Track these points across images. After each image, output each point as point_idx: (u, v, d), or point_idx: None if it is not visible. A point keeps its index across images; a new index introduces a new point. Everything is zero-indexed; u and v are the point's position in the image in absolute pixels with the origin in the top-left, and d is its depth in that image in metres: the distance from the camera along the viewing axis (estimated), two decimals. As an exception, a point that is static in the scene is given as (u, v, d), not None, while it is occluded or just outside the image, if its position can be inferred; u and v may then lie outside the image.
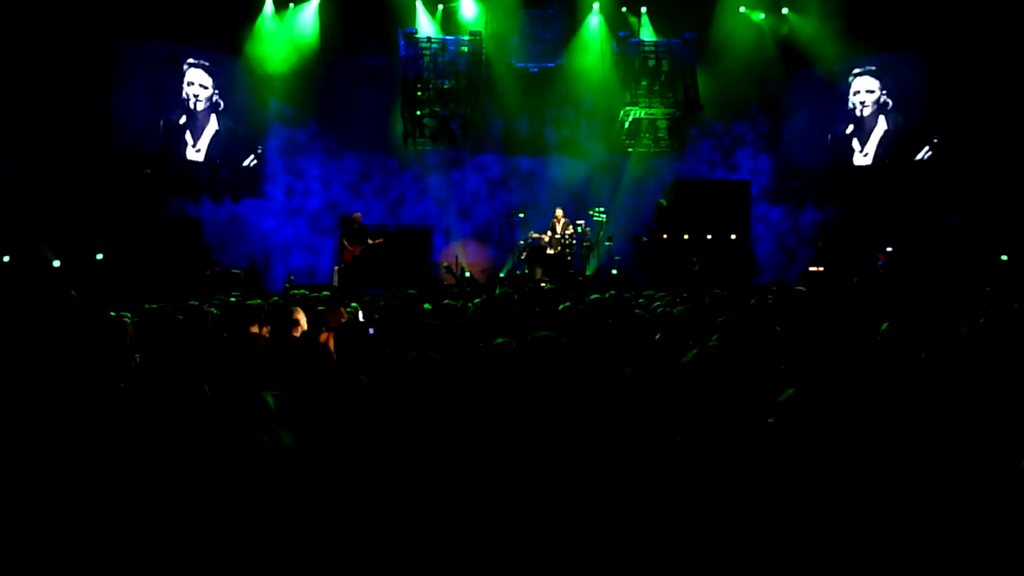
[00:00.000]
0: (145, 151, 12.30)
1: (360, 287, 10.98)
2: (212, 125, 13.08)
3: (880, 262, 11.59)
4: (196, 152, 12.93)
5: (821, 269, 12.02)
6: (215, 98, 13.01)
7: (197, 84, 12.85)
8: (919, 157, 12.64)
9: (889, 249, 11.55)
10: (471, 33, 13.12)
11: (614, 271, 12.50)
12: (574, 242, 11.84)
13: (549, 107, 14.08)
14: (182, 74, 12.77)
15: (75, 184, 10.78)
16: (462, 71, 13.02)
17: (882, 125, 13.09)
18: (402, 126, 13.24)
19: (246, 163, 13.40)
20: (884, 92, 13.06)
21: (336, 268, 12.45)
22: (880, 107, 13.11)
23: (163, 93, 12.56)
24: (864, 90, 13.22)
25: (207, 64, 12.93)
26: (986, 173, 11.63)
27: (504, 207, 13.77)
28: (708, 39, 13.26)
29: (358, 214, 12.27)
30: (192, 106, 12.83)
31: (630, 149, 13.69)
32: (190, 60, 12.75)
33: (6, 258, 9.34)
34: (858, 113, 13.24)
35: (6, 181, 9.96)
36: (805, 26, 13.02)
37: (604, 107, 13.71)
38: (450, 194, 14.11)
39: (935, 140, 12.44)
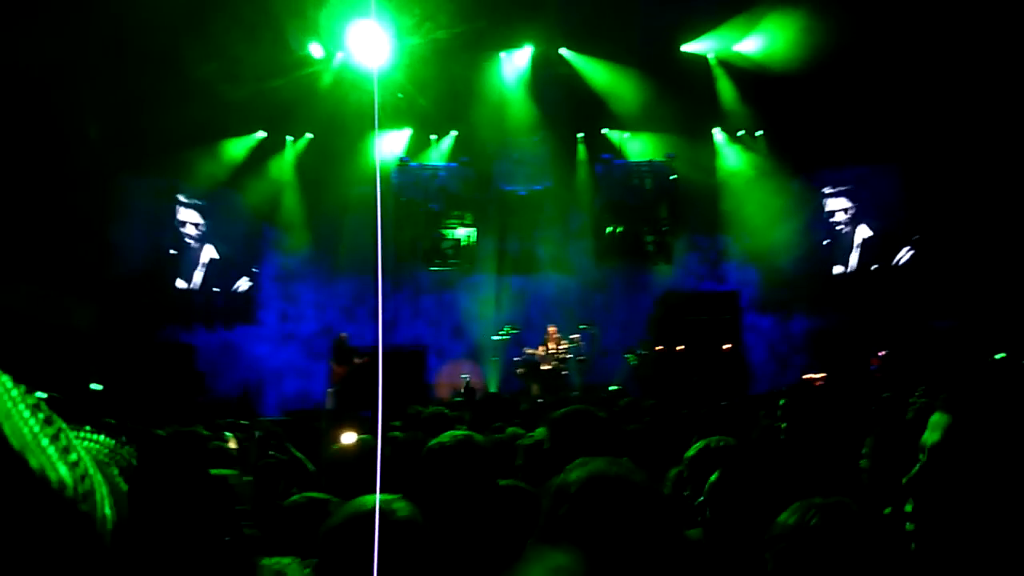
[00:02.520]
0: (141, 280, 12.42)
1: (354, 409, 10.86)
2: (206, 254, 13.31)
3: (874, 366, 11.64)
4: (191, 283, 13.08)
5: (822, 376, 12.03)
6: (206, 230, 13.30)
7: (189, 223, 13.15)
8: (899, 260, 12.99)
9: (882, 353, 11.64)
10: (460, 160, 13.67)
11: (611, 387, 12.46)
12: (568, 356, 11.89)
13: (538, 227, 14.46)
14: (175, 208, 13.08)
15: (71, 314, 10.81)
16: (452, 195, 13.47)
17: (861, 233, 13.52)
18: (394, 250, 13.52)
19: (240, 287, 13.55)
20: (857, 205, 13.58)
21: (330, 391, 12.36)
22: (854, 219, 13.58)
23: (158, 224, 12.85)
24: (838, 208, 13.77)
25: (198, 202, 13.26)
26: (967, 276, 11.92)
27: (496, 326, 13.86)
28: (688, 157, 13.85)
29: (344, 334, 12.34)
30: (185, 241, 13.09)
31: (619, 265, 14.00)
32: (182, 199, 13.08)
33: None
34: (836, 228, 13.73)
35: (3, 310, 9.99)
36: (775, 145, 13.68)
37: (592, 225, 14.12)
38: (442, 315, 14.24)
39: (915, 237, 12.83)
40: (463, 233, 13.81)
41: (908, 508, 1.29)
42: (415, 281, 14.12)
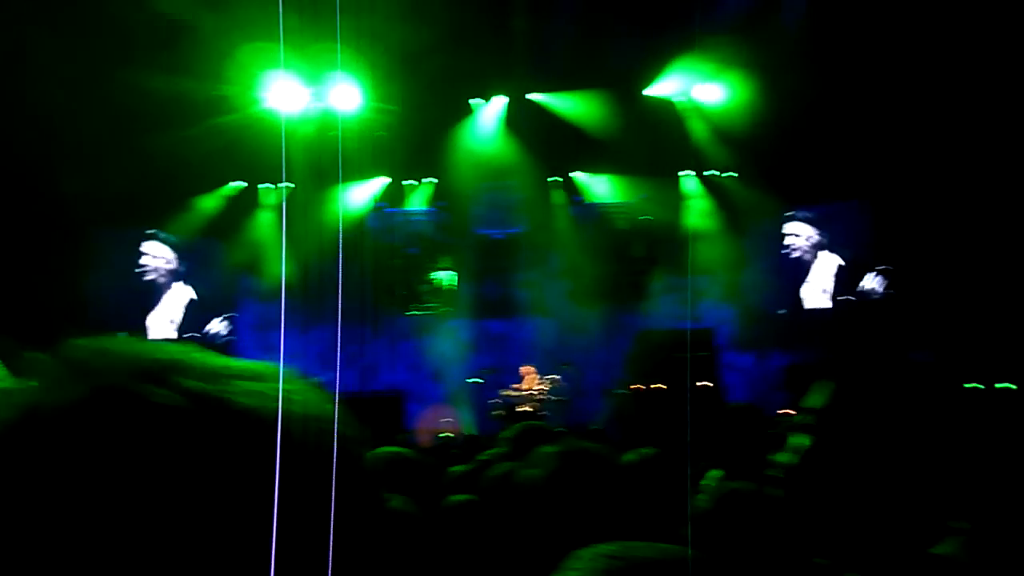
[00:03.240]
0: (120, 329, 12.43)
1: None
2: (180, 295, 13.37)
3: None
4: (169, 324, 13.12)
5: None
6: (177, 268, 13.40)
7: (155, 256, 13.27)
8: (870, 289, 13.07)
9: (857, 386, 11.58)
10: (437, 205, 13.83)
11: (591, 427, 12.38)
12: (546, 397, 11.84)
13: (515, 270, 14.54)
14: (151, 255, 13.20)
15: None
16: (429, 240, 13.60)
17: (827, 266, 13.65)
18: (372, 295, 13.56)
19: (215, 328, 13.58)
20: (828, 238, 13.72)
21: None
22: (818, 248, 13.74)
23: (132, 272, 12.95)
24: (809, 244, 13.91)
25: (176, 248, 13.40)
26: (943, 306, 11.92)
27: (475, 370, 13.83)
28: (661, 199, 14.02)
29: (318, 379, 12.33)
30: (154, 279, 13.19)
31: (596, 306, 14.03)
32: (157, 245, 13.21)
33: None
34: (806, 263, 13.85)
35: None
36: (747, 184, 13.89)
37: (569, 267, 14.20)
38: (421, 360, 14.20)
39: (884, 267, 12.91)
40: (441, 277, 13.87)
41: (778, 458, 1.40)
42: (394, 326, 14.11)
